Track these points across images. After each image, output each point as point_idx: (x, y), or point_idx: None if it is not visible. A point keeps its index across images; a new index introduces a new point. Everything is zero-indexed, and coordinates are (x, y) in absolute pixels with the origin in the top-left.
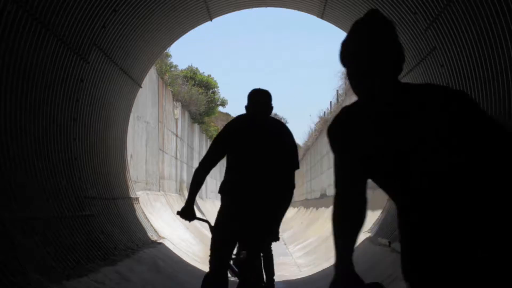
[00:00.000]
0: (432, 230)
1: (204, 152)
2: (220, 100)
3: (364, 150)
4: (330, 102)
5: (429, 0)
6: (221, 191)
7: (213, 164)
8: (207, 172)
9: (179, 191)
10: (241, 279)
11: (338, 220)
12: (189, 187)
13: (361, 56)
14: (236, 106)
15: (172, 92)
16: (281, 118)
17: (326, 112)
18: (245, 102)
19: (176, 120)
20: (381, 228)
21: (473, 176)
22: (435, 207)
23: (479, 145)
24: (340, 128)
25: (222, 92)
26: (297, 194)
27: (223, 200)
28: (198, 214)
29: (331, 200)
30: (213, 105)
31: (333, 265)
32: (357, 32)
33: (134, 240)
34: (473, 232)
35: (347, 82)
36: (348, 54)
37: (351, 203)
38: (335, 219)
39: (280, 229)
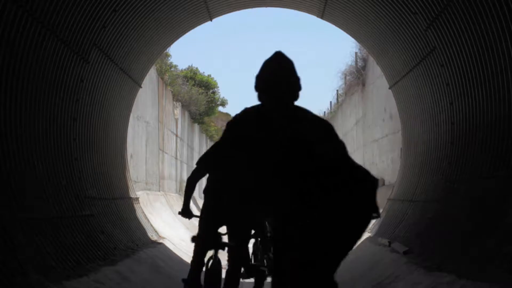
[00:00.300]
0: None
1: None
2: (220, 100)
3: (253, 145)
4: (330, 102)
5: (429, 0)
6: (204, 192)
7: (204, 174)
8: (198, 180)
9: (179, 191)
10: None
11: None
12: (185, 191)
13: (271, 84)
14: (236, 106)
15: (172, 92)
16: None
17: (326, 112)
18: (245, 102)
19: (176, 120)
20: (381, 228)
21: (323, 180)
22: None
23: (334, 159)
24: (238, 123)
25: (222, 92)
26: None
27: (205, 199)
28: (197, 211)
29: None
30: (213, 105)
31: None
32: (268, 68)
33: (134, 240)
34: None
35: (347, 82)
36: (261, 83)
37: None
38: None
39: None
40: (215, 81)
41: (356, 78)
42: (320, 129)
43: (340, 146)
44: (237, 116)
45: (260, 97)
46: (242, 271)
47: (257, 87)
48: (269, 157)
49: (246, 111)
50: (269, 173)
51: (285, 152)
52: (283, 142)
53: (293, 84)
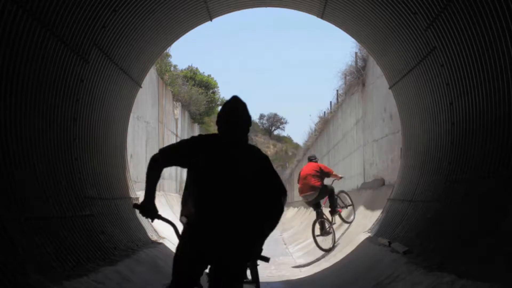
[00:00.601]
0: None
1: None
2: (220, 100)
3: (201, 162)
4: (330, 102)
5: (429, 0)
6: None
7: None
8: None
9: (179, 191)
10: None
11: (151, 175)
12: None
13: (229, 121)
14: None
15: (172, 92)
16: (281, 118)
17: (326, 112)
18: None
19: (176, 120)
20: (381, 228)
21: (250, 206)
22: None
23: (265, 188)
24: (194, 140)
25: (222, 92)
26: (298, 194)
27: None
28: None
29: None
30: (213, 105)
31: (333, 265)
32: (227, 110)
33: (134, 240)
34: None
35: (347, 82)
36: (221, 120)
37: (160, 169)
38: (150, 174)
39: (280, 229)
40: (215, 81)
41: (356, 78)
42: (262, 160)
43: (275, 175)
44: (193, 136)
45: (219, 130)
46: None
47: (218, 123)
48: (225, 176)
49: (202, 135)
50: (224, 192)
51: (239, 175)
52: (238, 166)
53: (245, 123)
